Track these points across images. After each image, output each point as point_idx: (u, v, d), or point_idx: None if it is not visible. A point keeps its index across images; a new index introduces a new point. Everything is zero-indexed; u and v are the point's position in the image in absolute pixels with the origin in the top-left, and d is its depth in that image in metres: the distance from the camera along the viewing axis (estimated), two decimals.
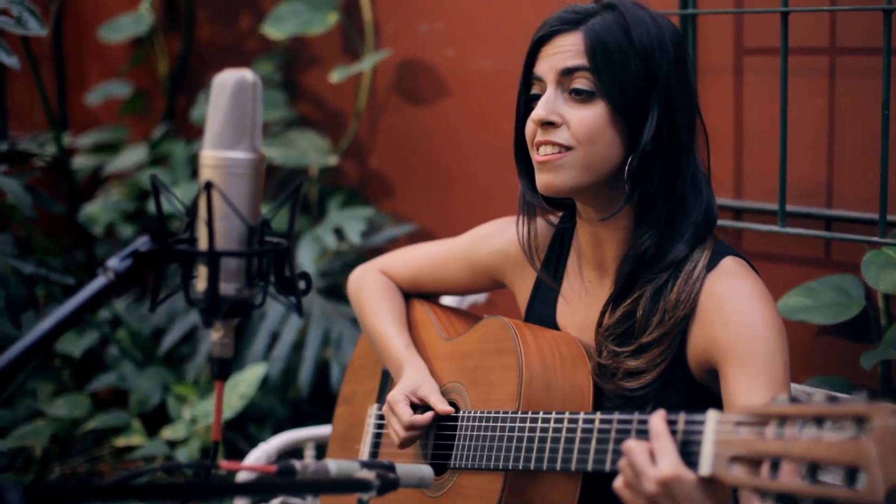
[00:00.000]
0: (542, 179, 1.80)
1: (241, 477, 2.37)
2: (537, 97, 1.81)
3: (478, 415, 1.86)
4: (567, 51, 1.77)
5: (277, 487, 1.36)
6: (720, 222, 2.43)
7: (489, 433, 1.81)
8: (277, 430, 3.26)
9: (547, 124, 1.77)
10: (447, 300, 2.40)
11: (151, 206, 3.75)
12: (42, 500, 1.06)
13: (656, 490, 1.42)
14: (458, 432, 1.90)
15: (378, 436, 2.12)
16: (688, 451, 1.41)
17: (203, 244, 1.34)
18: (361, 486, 1.44)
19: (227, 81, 1.37)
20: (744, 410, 1.35)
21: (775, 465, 1.29)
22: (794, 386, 2.12)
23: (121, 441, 3.31)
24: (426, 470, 1.58)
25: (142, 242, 1.33)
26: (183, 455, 3.13)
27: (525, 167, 1.88)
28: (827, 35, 2.37)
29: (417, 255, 2.23)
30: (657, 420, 1.45)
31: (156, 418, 3.43)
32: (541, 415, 1.72)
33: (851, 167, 2.36)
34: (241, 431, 3.38)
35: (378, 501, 1.99)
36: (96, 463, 3.36)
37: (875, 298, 2.29)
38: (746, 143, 2.52)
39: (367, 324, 2.18)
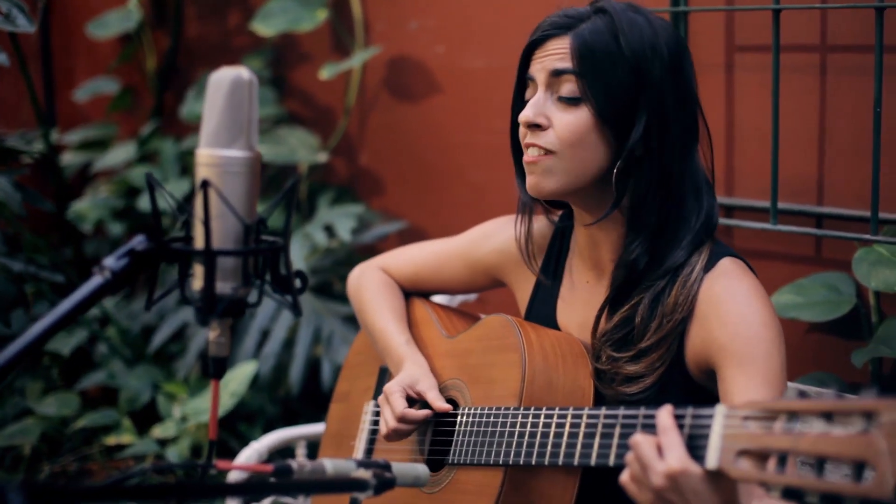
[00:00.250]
0: (530, 181, 1.81)
1: (234, 477, 2.36)
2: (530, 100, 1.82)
3: (478, 411, 1.86)
4: (556, 54, 1.78)
5: (275, 487, 1.36)
6: None
7: (490, 429, 1.81)
8: (268, 428, 3.26)
9: (534, 126, 1.79)
10: (437, 299, 2.40)
11: (140, 204, 3.74)
12: (44, 500, 1.06)
13: (663, 484, 1.42)
14: (457, 428, 1.90)
15: (374, 433, 2.11)
16: (695, 445, 1.42)
17: (199, 243, 1.34)
18: (358, 485, 1.43)
19: (224, 79, 1.36)
20: (752, 405, 1.35)
21: (783, 459, 1.28)
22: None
23: (111, 439, 3.30)
24: (422, 469, 1.58)
25: (138, 241, 1.33)
26: (173, 453, 3.12)
27: (521, 167, 1.89)
28: (818, 32, 2.37)
29: (417, 253, 2.23)
30: (664, 414, 1.46)
31: (146, 416, 3.42)
32: (544, 410, 1.72)
33: (843, 165, 2.37)
34: (231, 430, 3.38)
35: (374, 499, 1.98)
36: (86, 462, 3.35)
37: (866, 296, 2.30)
38: (738, 141, 2.52)
39: (367, 321, 2.18)
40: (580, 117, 1.76)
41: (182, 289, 1.36)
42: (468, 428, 1.87)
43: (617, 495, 1.56)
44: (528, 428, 1.74)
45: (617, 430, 1.57)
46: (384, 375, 2.19)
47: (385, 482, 1.46)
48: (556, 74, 1.78)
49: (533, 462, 1.72)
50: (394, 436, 1.95)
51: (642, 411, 1.54)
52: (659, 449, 1.44)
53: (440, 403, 1.93)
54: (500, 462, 1.78)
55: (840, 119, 2.36)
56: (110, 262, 1.31)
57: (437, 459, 1.94)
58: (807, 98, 2.39)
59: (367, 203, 3.52)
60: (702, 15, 2.53)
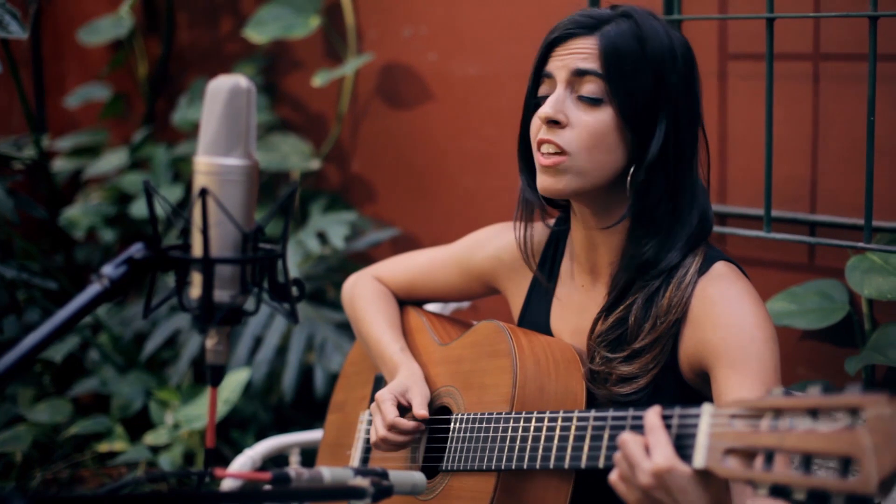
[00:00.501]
0: (543, 182, 1.80)
1: (229, 485, 2.36)
2: (545, 98, 1.81)
3: (471, 416, 1.86)
4: (581, 53, 1.77)
5: (273, 496, 1.35)
6: None
7: (482, 434, 1.82)
8: (260, 435, 3.25)
9: (552, 123, 1.77)
10: (430, 307, 2.40)
11: (132, 210, 3.73)
12: None
13: (650, 482, 1.42)
14: (450, 434, 1.90)
15: (370, 441, 2.11)
16: (682, 444, 1.42)
17: (198, 251, 1.34)
18: (356, 493, 1.43)
19: (222, 88, 1.36)
20: (739, 404, 1.36)
21: (770, 457, 1.29)
22: None
23: (103, 447, 3.29)
24: (419, 476, 1.59)
25: (136, 249, 1.33)
26: (165, 461, 3.11)
27: (526, 164, 1.88)
28: (812, 41, 2.38)
29: (411, 261, 2.23)
30: (652, 414, 1.47)
31: (138, 423, 3.41)
32: (535, 414, 1.73)
33: (836, 173, 2.37)
34: (224, 437, 3.37)
35: None
36: (78, 469, 3.34)
37: (859, 303, 2.30)
38: (731, 149, 2.53)
39: (362, 330, 2.18)
40: (600, 119, 1.76)
41: (180, 297, 1.36)
42: (461, 434, 1.87)
43: (610, 499, 1.56)
44: (520, 433, 1.74)
45: (606, 432, 1.58)
46: (379, 384, 2.19)
47: (383, 490, 1.46)
48: (580, 74, 1.76)
49: (525, 466, 1.72)
50: (383, 445, 1.94)
51: (631, 412, 1.54)
52: (646, 448, 1.45)
53: (420, 411, 1.92)
54: (493, 467, 1.78)
55: (833, 127, 2.37)
56: (108, 270, 1.30)
57: (431, 466, 1.94)
58: (800, 106, 2.40)
59: (360, 210, 3.52)
60: (695, 23, 2.54)
